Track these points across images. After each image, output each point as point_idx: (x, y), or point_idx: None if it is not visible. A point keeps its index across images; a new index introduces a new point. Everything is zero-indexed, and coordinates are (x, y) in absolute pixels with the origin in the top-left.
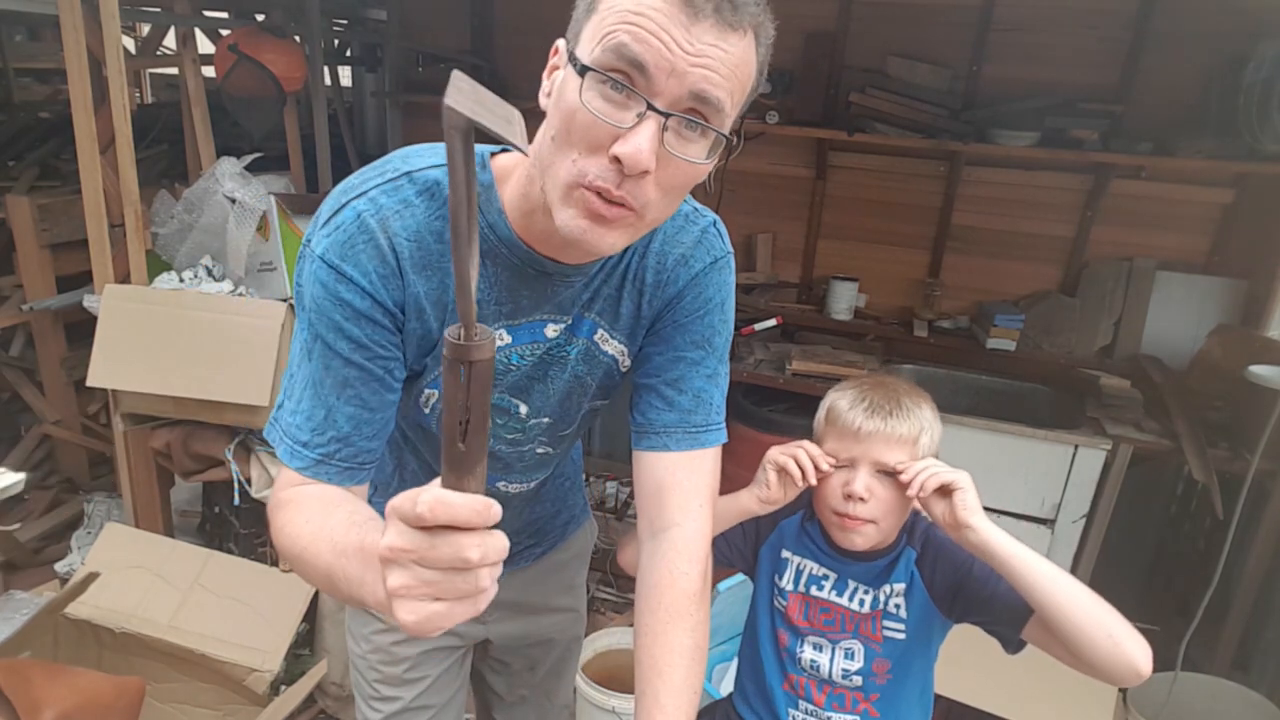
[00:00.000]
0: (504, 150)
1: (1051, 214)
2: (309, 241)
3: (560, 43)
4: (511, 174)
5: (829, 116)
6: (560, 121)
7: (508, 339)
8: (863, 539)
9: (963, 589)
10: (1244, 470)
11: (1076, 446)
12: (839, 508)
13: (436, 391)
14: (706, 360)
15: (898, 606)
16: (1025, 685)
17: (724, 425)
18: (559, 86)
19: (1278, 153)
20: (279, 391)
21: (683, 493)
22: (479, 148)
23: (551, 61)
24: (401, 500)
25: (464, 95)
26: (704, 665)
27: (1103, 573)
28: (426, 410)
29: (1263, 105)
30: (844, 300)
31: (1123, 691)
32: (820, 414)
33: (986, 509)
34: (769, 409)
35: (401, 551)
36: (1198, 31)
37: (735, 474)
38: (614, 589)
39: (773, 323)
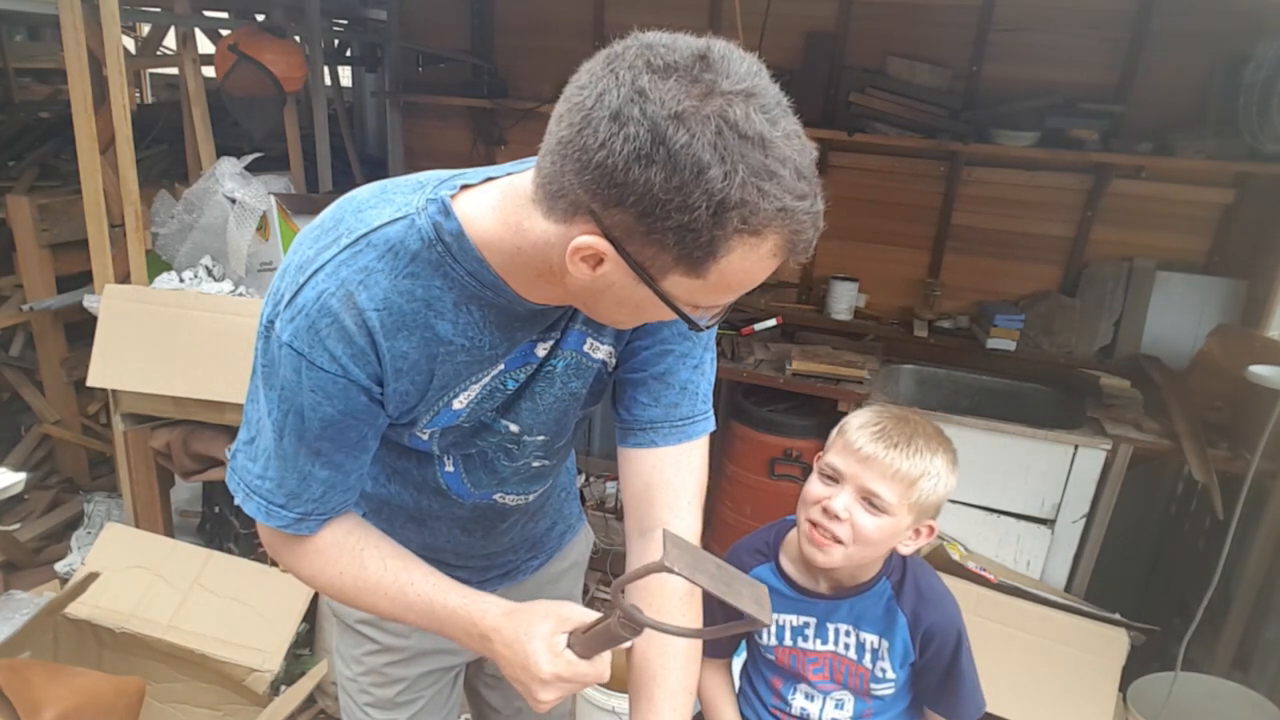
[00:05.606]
0: (464, 188)
1: (1051, 214)
2: (272, 323)
3: (601, 244)
4: (482, 218)
5: (829, 116)
6: (636, 315)
7: (501, 366)
8: (826, 558)
9: (935, 678)
10: (1244, 470)
11: (1076, 446)
12: (814, 518)
13: (439, 429)
14: (693, 351)
15: (884, 670)
16: (1025, 685)
17: (711, 413)
18: (620, 287)
19: (1278, 153)
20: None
21: (671, 491)
22: (438, 194)
23: (586, 252)
24: (571, 672)
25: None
26: (698, 666)
27: (1103, 573)
28: (425, 437)
29: (1263, 105)
30: (844, 300)
31: (1123, 691)
32: (836, 427)
33: (987, 509)
34: (769, 409)
35: (563, 681)
36: (1198, 31)
37: (735, 474)
38: None
39: (773, 323)
